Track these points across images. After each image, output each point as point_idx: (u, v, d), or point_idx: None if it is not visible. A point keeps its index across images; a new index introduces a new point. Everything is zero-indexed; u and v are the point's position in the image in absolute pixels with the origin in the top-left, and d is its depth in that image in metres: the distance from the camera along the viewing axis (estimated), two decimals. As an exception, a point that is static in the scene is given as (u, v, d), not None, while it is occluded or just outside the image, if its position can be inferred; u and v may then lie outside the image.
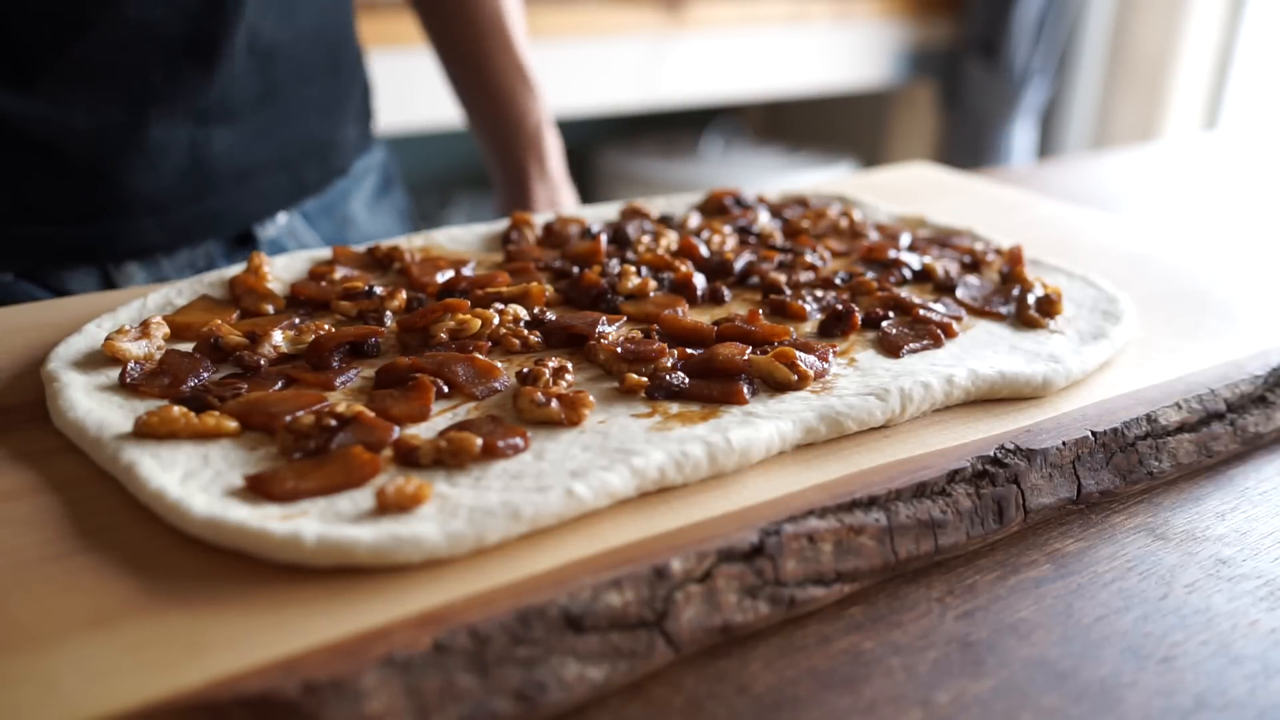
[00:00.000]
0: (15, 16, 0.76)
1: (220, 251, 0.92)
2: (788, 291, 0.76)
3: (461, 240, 0.86)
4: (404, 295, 0.71)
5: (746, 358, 0.62)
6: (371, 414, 0.55)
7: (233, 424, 0.55)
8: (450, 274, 0.76)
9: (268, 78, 0.90)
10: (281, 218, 0.96)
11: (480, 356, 0.62)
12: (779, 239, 0.89)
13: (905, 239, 0.88)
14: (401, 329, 0.66)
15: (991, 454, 0.58)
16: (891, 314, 0.72)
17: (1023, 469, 0.58)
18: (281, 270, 0.77)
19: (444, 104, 1.31)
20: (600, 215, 0.93)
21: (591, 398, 0.58)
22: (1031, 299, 0.74)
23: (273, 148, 0.92)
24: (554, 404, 0.57)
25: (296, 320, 0.67)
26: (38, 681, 0.40)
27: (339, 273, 0.76)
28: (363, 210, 1.05)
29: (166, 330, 0.65)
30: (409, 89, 1.91)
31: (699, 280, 0.76)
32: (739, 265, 0.79)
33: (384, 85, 1.29)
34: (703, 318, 0.72)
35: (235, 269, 0.75)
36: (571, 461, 0.53)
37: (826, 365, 0.64)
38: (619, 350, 0.63)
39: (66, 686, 0.39)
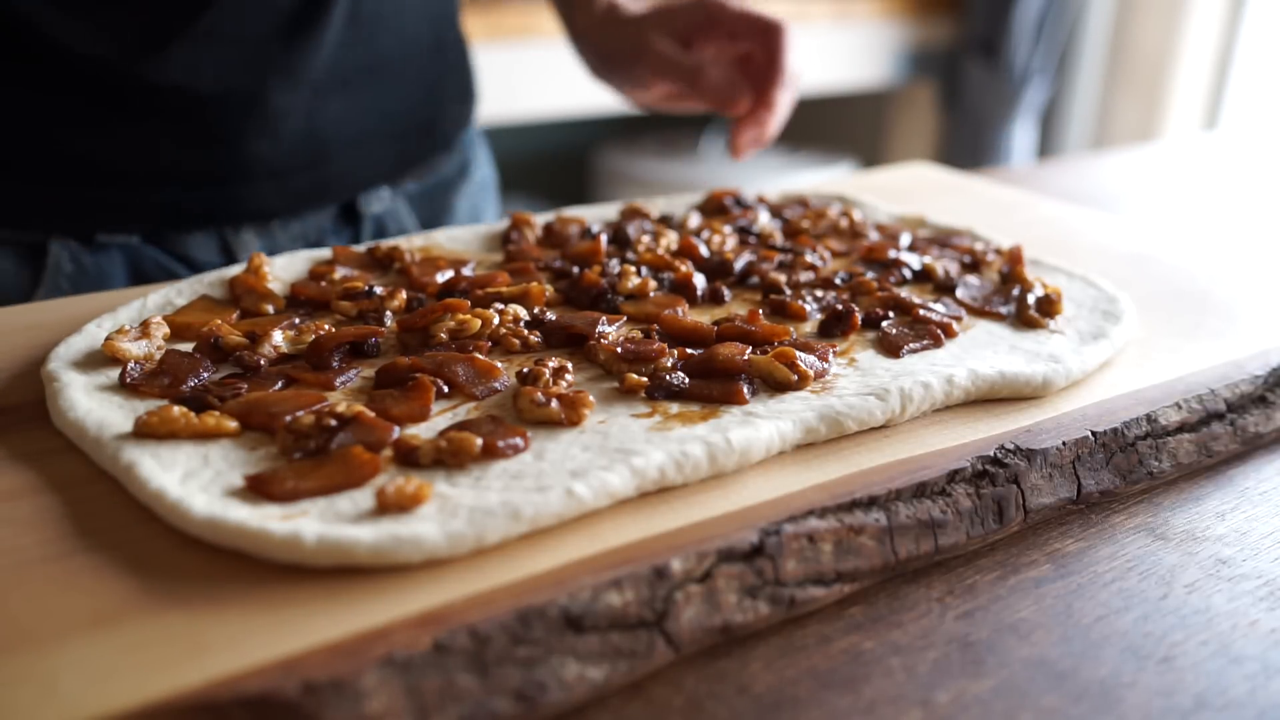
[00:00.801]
0: None
1: (330, 227, 0.97)
2: (788, 291, 0.76)
3: (461, 240, 0.86)
4: (404, 295, 0.71)
5: (746, 358, 0.62)
6: (371, 414, 0.55)
7: (233, 424, 0.55)
8: (450, 274, 0.76)
9: (372, 49, 0.95)
10: (386, 195, 1.01)
11: (480, 356, 0.62)
12: (779, 239, 0.89)
13: (905, 239, 0.88)
14: (401, 329, 0.67)
15: (991, 454, 0.58)
16: (891, 314, 0.72)
17: (1023, 469, 0.58)
18: (281, 270, 0.77)
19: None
20: (600, 215, 0.93)
21: (591, 398, 0.58)
22: (1031, 299, 0.74)
23: (380, 118, 0.97)
24: (554, 404, 0.57)
25: (296, 320, 0.67)
26: (38, 681, 0.40)
27: (339, 273, 0.76)
28: (462, 201, 1.10)
29: (166, 330, 0.65)
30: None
31: (699, 280, 0.76)
32: (739, 265, 0.79)
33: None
34: (703, 318, 0.72)
35: (235, 269, 0.75)
36: (571, 461, 0.53)
37: (826, 365, 0.64)
38: (619, 350, 0.63)
39: (66, 686, 0.39)
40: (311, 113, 0.91)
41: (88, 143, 0.83)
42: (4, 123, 0.82)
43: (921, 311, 0.71)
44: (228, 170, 0.88)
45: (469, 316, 0.66)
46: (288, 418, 0.54)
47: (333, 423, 0.53)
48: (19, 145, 0.83)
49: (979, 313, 0.74)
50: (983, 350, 0.68)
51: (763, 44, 0.92)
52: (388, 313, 0.69)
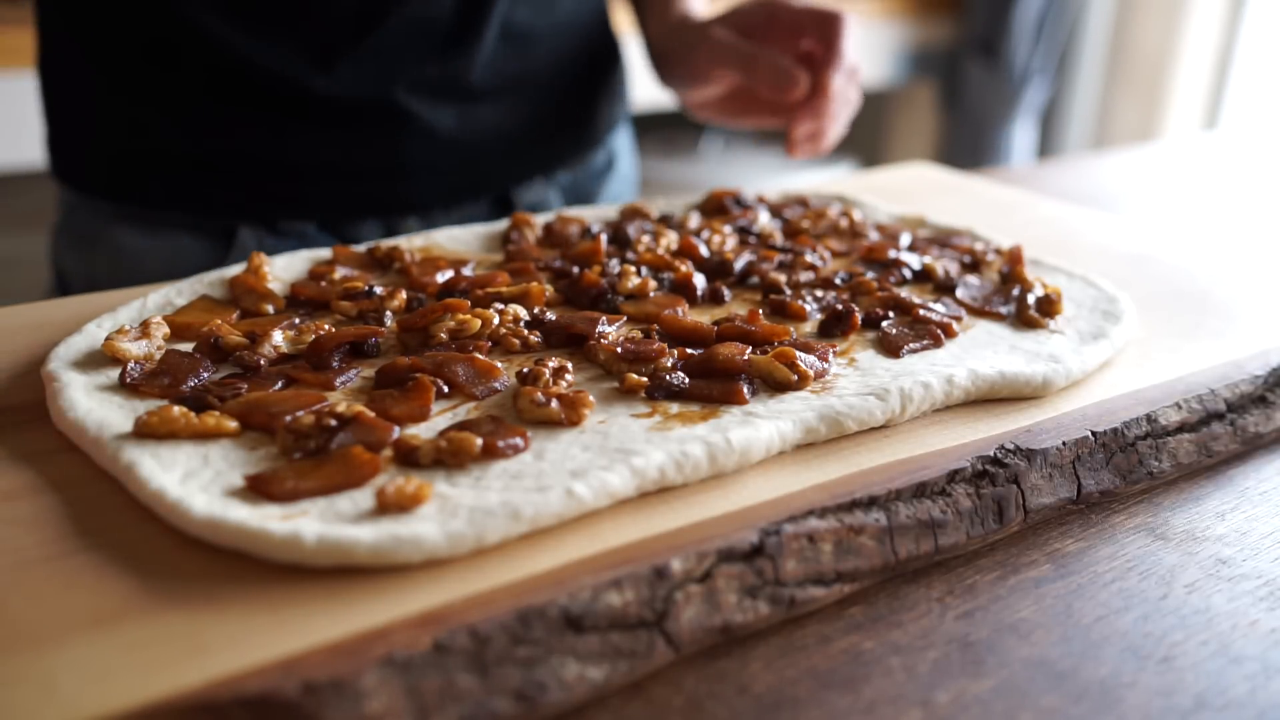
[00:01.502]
0: (328, 12, 0.92)
1: (485, 215, 1.05)
2: (788, 291, 0.76)
3: (462, 240, 0.86)
4: (404, 295, 0.71)
5: (746, 358, 0.62)
6: (371, 414, 0.55)
7: (233, 424, 0.55)
8: (450, 274, 0.76)
9: (524, 62, 1.03)
10: (538, 185, 1.09)
11: (480, 356, 0.62)
12: (779, 239, 0.89)
13: (905, 239, 0.88)
14: (401, 329, 0.67)
15: (991, 454, 0.58)
16: (891, 314, 0.72)
17: (1023, 469, 0.58)
18: (281, 270, 0.77)
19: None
20: (600, 215, 0.93)
21: (591, 398, 0.58)
22: (1031, 299, 0.74)
23: (531, 122, 1.05)
24: (554, 404, 0.57)
25: (296, 320, 0.67)
26: (37, 681, 0.40)
27: (339, 273, 0.76)
28: (608, 191, 1.17)
29: (166, 330, 0.65)
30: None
31: (699, 280, 0.76)
32: (739, 265, 0.79)
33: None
34: (703, 318, 0.72)
35: (236, 269, 0.75)
36: (571, 461, 0.53)
37: (826, 365, 0.64)
38: (619, 350, 0.63)
39: (66, 686, 0.39)
40: (465, 118, 1.00)
41: (268, 144, 0.95)
42: (198, 127, 0.94)
43: (921, 311, 0.71)
44: (389, 168, 0.98)
45: (469, 316, 0.66)
46: (288, 418, 0.54)
47: (333, 423, 0.53)
48: (212, 146, 0.95)
49: (979, 313, 0.74)
50: (983, 350, 0.68)
51: (820, 33, 0.95)
52: (388, 313, 0.69)
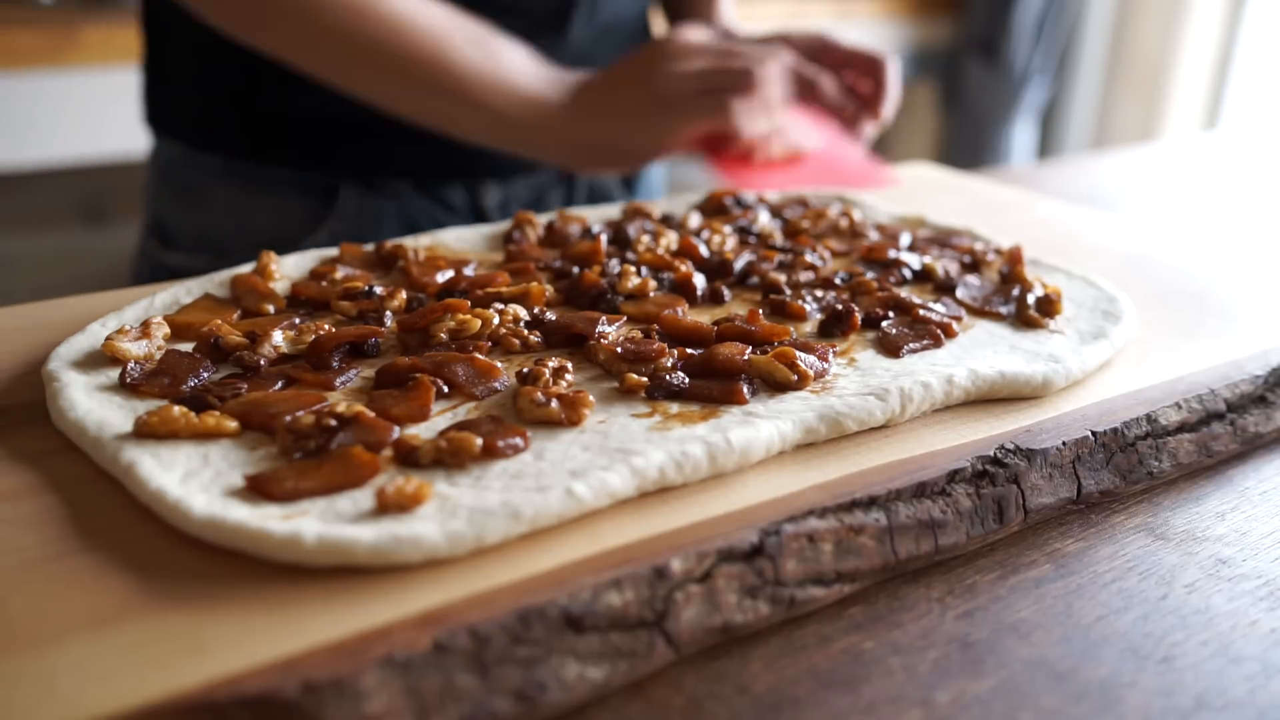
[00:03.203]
0: None
1: (552, 184, 1.15)
2: (788, 291, 0.76)
3: (466, 240, 0.86)
4: (404, 295, 0.71)
5: (746, 358, 0.62)
6: (371, 414, 0.55)
7: (233, 424, 0.55)
8: (450, 274, 0.76)
9: (599, 45, 1.12)
10: None
11: (480, 356, 0.62)
12: (779, 239, 0.89)
13: (905, 239, 0.88)
14: (401, 329, 0.67)
15: (991, 454, 0.58)
16: (891, 314, 0.72)
17: (1023, 469, 0.58)
18: (291, 269, 0.77)
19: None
20: (600, 215, 0.93)
21: (591, 398, 0.58)
22: (1031, 299, 0.74)
23: None
24: (554, 404, 0.57)
25: (296, 320, 0.67)
26: (37, 681, 0.40)
27: (340, 272, 0.76)
28: (653, 174, 1.27)
29: (167, 330, 0.65)
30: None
31: (699, 280, 0.76)
32: (739, 265, 0.79)
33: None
34: (703, 318, 0.72)
35: (245, 268, 0.75)
36: (571, 461, 0.53)
37: (826, 365, 0.64)
38: (619, 350, 0.63)
39: (65, 686, 0.39)
40: None
41: (365, 108, 0.98)
42: (301, 85, 0.98)
43: (921, 311, 0.71)
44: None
45: (469, 316, 0.66)
46: (288, 418, 0.54)
47: (333, 423, 0.53)
48: (313, 103, 1.01)
49: (979, 313, 0.74)
50: (983, 350, 0.68)
51: (870, 72, 1.03)
52: (388, 313, 0.69)
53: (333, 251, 0.80)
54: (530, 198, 1.13)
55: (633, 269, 0.75)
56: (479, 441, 0.53)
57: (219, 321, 0.65)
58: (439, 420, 0.57)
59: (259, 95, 1.03)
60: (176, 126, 1.09)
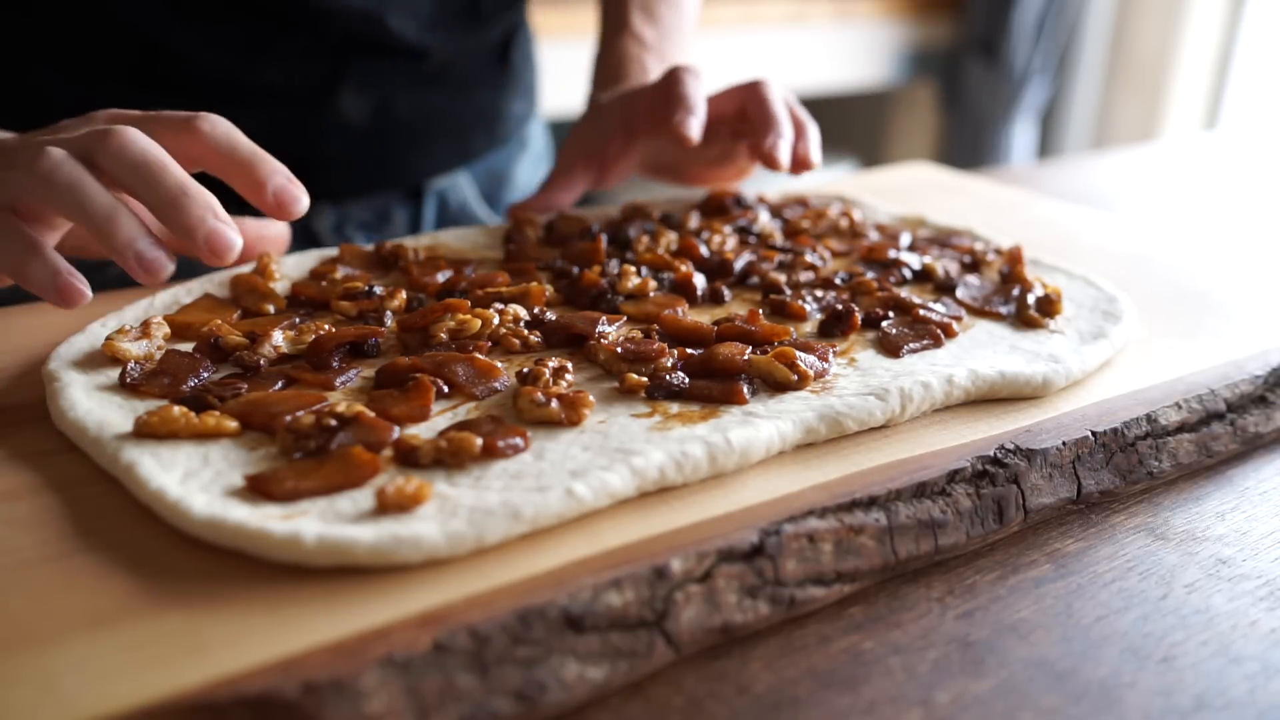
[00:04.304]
0: (246, 7, 0.92)
1: (397, 200, 1.08)
2: (788, 291, 0.76)
3: (467, 240, 0.86)
4: (404, 295, 0.71)
5: (746, 358, 0.62)
6: (371, 414, 0.55)
7: (233, 424, 0.55)
8: (450, 274, 0.76)
9: (443, 59, 1.05)
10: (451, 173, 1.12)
11: (480, 356, 0.62)
12: (779, 239, 0.89)
13: (905, 239, 0.88)
14: (401, 329, 0.67)
15: (991, 454, 0.58)
16: (891, 314, 0.72)
17: (1023, 469, 0.58)
18: (291, 268, 0.77)
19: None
20: (600, 215, 0.93)
21: (591, 398, 0.58)
22: (1031, 299, 0.74)
23: (442, 118, 1.08)
24: (554, 404, 0.57)
25: (296, 320, 0.67)
26: (37, 681, 0.40)
27: (340, 272, 0.76)
28: (521, 170, 1.20)
29: (167, 330, 0.65)
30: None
31: (699, 280, 0.76)
32: (739, 265, 0.79)
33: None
34: (703, 318, 0.72)
35: (246, 268, 0.75)
36: (571, 461, 0.53)
37: (826, 365, 0.64)
38: (619, 350, 0.63)
39: (66, 686, 0.39)
40: (378, 113, 1.02)
41: None
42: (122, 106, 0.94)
43: (921, 311, 0.71)
44: (306, 157, 0.98)
45: (469, 316, 0.66)
46: (288, 418, 0.54)
47: (333, 423, 0.53)
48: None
49: (979, 313, 0.74)
50: (983, 350, 0.68)
51: (747, 97, 0.90)
52: (388, 313, 0.69)
53: (333, 251, 0.80)
54: (370, 218, 1.07)
55: (633, 269, 0.75)
56: (479, 441, 0.53)
57: (219, 321, 0.65)
58: (439, 420, 0.57)
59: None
60: None
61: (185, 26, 0.92)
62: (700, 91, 0.87)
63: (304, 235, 1.02)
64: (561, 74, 1.82)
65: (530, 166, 1.21)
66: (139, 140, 0.60)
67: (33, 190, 0.59)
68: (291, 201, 0.64)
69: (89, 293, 0.60)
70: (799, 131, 0.89)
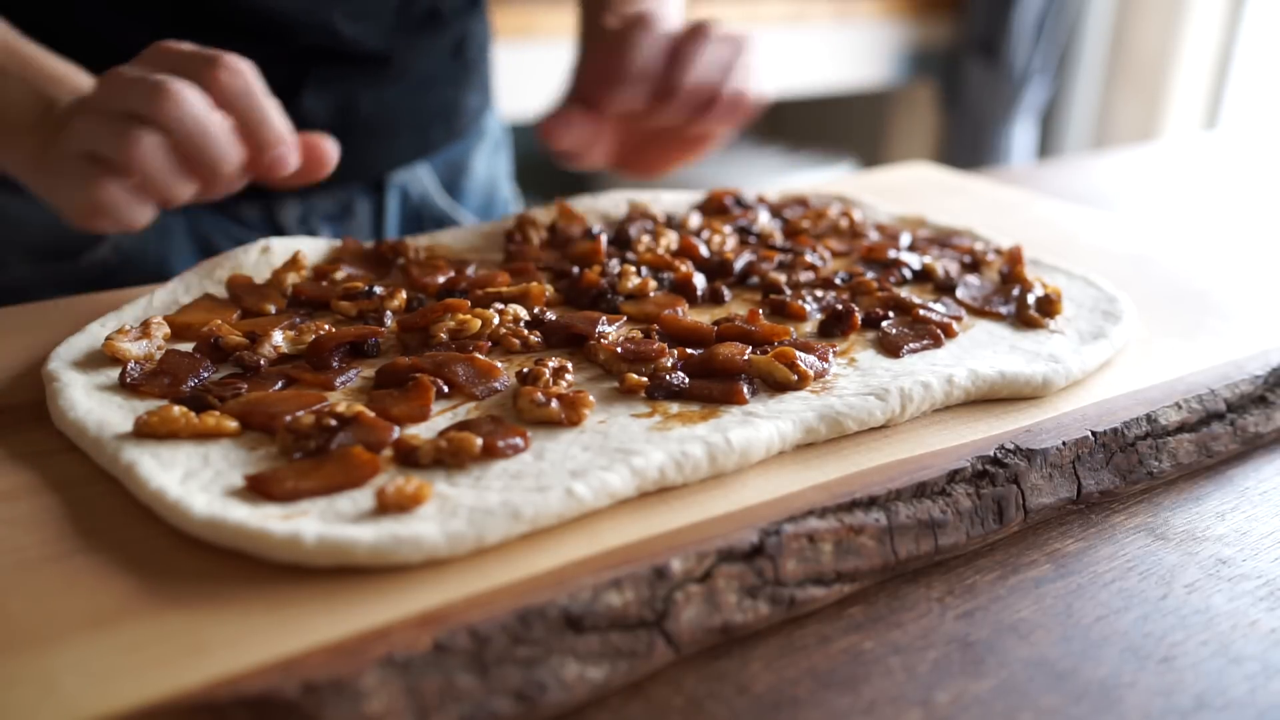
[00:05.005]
0: (204, 17, 0.92)
1: (359, 193, 1.09)
2: (788, 291, 0.76)
3: (467, 240, 0.86)
4: (404, 295, 0.71)
5: (746, 358, 0.62)
6: (371, 414, 0.55)
7: (233, 424, 0.55)
8: (450, 274, 0.76)
9: (403, 54, 1.05)
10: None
11: (480, 356, 0.62)
12: (779, 239, 0.89)
13: (905, 239, 0.88)
14: (401, 329, 0.67)
15: (991, 454, 0.58)
16: (891, 314, 0.72)
17: (1023, 469, 0.58)
18: (311, 255, 0.79)
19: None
20: (598, 206, 0.93)
21: (591, 398, 0.58)
22: (1031, 299, 0.74)
23: (403, 112, 1.09)
24: (554, 404, 0.57)
25: (296, 320, 0.67)
26: (37, 681, 0.40)
27: (341, 272, 0.76)
28: (479, 160, 1.21)
29: (167, 330, 0.65)
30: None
31: (699, 280, 0.76)
32: (739, 265, 0.79)
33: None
34: (703, 318, 0.72)
35: (247, 264, 0.76)
36: (571, 461, 0.53)
37: (826, 365, 0.64)
38: (619, 350, 0.63)
39: (66, 686, 0.39)
40: (340, 109, 1.03)
41: None
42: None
43: (921, 311, 0.71)
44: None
45: (469, 316, 0.66)
46: (288, 418, 0.54)
47: (333, 423, 0.53)
48: None
49: (979, 313, 0.74)
50: (983, 350, 0.68)
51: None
52: (388, 313, 0.69)
53: (338, 242, 0.81)
54: (335, 210, 1.07)
55: (633, 269, 0.75)
56: (479, 441, 0.53)
57: (219, 321, 0.65)
58: (439, 420, 0.57)
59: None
60: None
61: (140, 33, 0.88)
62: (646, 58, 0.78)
63: (270, 227, 1.04)
64: (520, 76, 1.82)
65: (488, 156, 1.23)
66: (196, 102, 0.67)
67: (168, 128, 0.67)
68: (284, 168, 0.72)
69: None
70: (671, 93, 0.78)
